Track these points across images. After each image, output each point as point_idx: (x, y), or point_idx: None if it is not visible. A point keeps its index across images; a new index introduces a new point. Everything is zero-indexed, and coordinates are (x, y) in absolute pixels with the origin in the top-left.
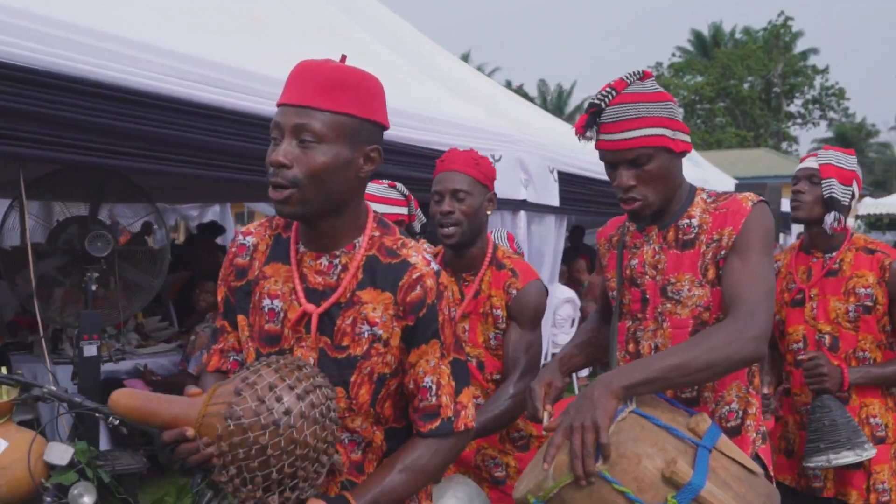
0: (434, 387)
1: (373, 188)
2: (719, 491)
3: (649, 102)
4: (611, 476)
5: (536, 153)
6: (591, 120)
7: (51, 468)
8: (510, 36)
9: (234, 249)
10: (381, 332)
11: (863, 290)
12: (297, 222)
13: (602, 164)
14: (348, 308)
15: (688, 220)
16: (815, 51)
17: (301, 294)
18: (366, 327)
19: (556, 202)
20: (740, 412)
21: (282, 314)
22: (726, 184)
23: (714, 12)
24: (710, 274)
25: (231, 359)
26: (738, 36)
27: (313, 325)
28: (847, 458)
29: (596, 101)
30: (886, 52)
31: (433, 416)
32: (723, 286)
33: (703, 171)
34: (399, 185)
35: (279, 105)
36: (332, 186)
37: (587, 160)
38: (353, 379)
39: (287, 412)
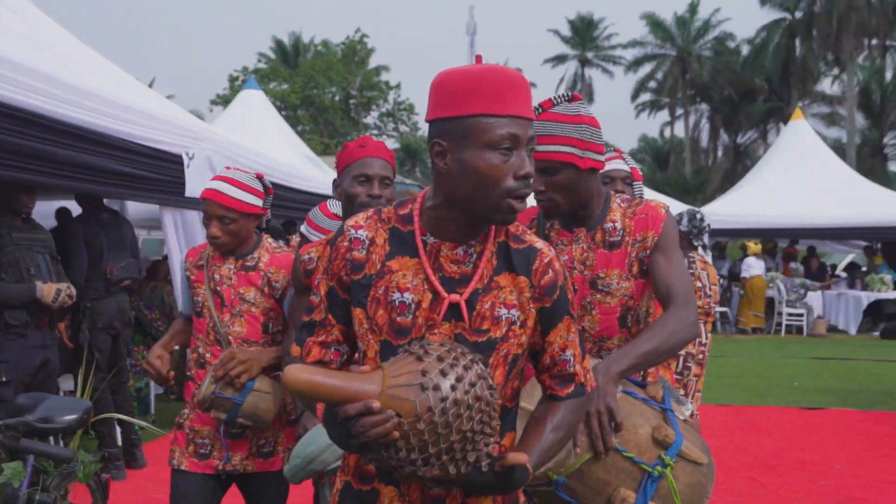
0: (572, 359)
1: (240, 175)
2: (689, 444)
3: (565, 123)
4: (620, 446)
5: (221, 153)
6: None
7: None
8: (75, 26)
9: (346, 243)
10: (517, 314)
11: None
12: (419, 214)
13: (276, 168)
14: (487, 293)
15: (612, 224)
16: (386, 68)
17: (437, 283)
18: (503, 311)
19: None
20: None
21: (413, 306)
22: None
23: (294, 22)
24: (635, 269)
25: (332, 350)
26: (318, 48)
27: (464, 311)
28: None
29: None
30: None
31: (569, 382)
32: (655, 280)
33: (327, 175)
34: (264, 178)
35: (505, 116)
36: None
37: (261, 163)
38: (490, 361)
39: (478, 394)
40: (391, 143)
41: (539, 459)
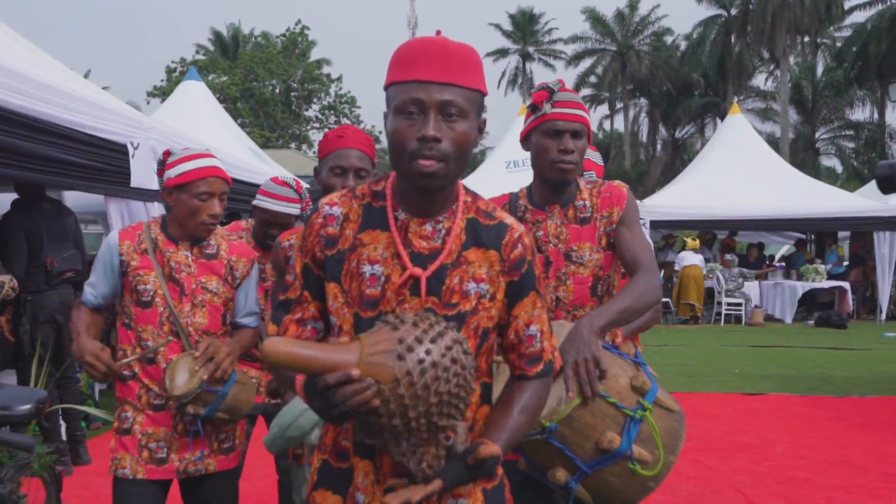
0: (538, 334)
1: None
2: (663, 391)
3: (580, 100)
4: (604, 392)
5: (166, 143)
6: (550, 98)
7: None
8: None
9: (320, 220)
10: (487, 287)
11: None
12: (391, 191)
13: (225, 160)
14: (455, 268)
15: (582, 202)
16: (327, 61)
17: (406, 258)
18: (472, 284)
19: None
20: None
21: (383, 278)
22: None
23: (233, 13)
24: (604, 242)
25: (309, 327)
26: (258, 39)
27: (422, 286)
28: None
29: (550, 86)
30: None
31: (537, 361)
32: (621, 251)
33: (271, 168)
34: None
35: (411, 81)
36: (467, 157)
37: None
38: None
39: (454, 357)
40: None
41: (508, 443)
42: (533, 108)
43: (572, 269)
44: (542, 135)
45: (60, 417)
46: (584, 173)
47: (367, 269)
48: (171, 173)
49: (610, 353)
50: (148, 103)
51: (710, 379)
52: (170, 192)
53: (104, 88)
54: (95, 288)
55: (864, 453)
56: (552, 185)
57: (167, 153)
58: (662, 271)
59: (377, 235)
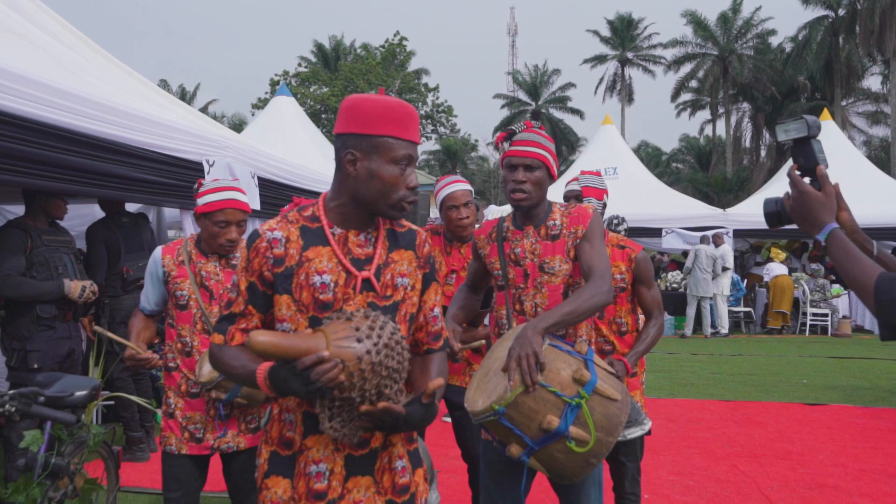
0: (439, 315)
1: (237, 183)
2: (604, 383)
3: (544, 139)
4: (545, 382)
5: (242, 159)
6: (508, 138)
7: None
8: (127, 35)
9: (264, 244)
10: (409, 280)
11: (618, 275)
12: (324, 212)
13: (297, 173)
14: (386, 267)
15: (553, 221)
16: (426, 71)
17: (349, 264)
18: (400, 279)
19: (257, 206)
20: (587, 340)
21: (332, 284)
22: None
23: (335, 26)
24: (572, 254)
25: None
26: (358, 51)
27: (374, 283)
28: (636, 433)
29: (514, 129)
30: (485, 76)
31: (438, 337)
32: (581, 261)
33: None
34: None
35: (407, 140)
36: None
37: (282, 167)
38: (396, 318)
39: (396, 339)
40: (430, 145)
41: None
42: (496, 148)
43: (546, 278)
44: (504, 169)
45: (136, 410)
46: (584, 199)
47: (317, 279)
48: (199, 202)
49: (557, 350)
50: (253, 115)
51: (776, 389)
52: (198, 217)
53: (211, 102)
54: (148, 296)
55: None
56: (517, 209)
57: (200, 183)
58: (745, 281)
59: (319, 250)
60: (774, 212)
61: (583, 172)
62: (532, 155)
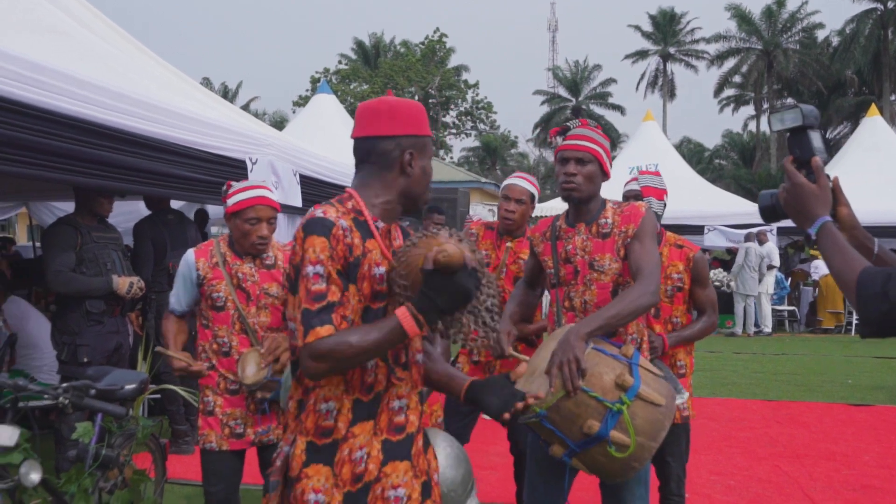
0: None
1: (265, 182)
2: (648, 388)
3: (598, 135)
4: (587, 387)
5: (284, 157)
6: (562, 132)
7: None
8: (173, 32)
9: (341, 232)
10: None
11: (675, 275)
12: (365, 207)
13: (339, 170)
14: None
15: (604, 220)
16: (466, 67)
17: (391, 257)
18: None
19: (299, 203)
20: (639, 339)
21: (385, 275)
22: None
23: (375, 23)
24: (622, 253)
25: (350, 322)
26: (398, 48)
27: None
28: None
29: (568, 125)
30: (525, 72)
31: None
32: (630, 260)
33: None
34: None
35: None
36: None
37: (324, 165)
38: None
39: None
40: (470, 142)
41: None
42: (549, 142)
43: (595, 276)
44: (556, 163)
45: (182, 404)
46: (644, 199)
47: (376, 270)
48: (229, 202)
49: (601, 354)
50: (294, 112)
51: (820, 389)
52: (228, 217)
53: (252, 99)
54: (179, 298)
55: None
56: (570, 204)
57: (229, 184)
58: (789, 279)
59: (372, 243)
60: (769, 205)
61: (641, 172)
62: (584, 149)
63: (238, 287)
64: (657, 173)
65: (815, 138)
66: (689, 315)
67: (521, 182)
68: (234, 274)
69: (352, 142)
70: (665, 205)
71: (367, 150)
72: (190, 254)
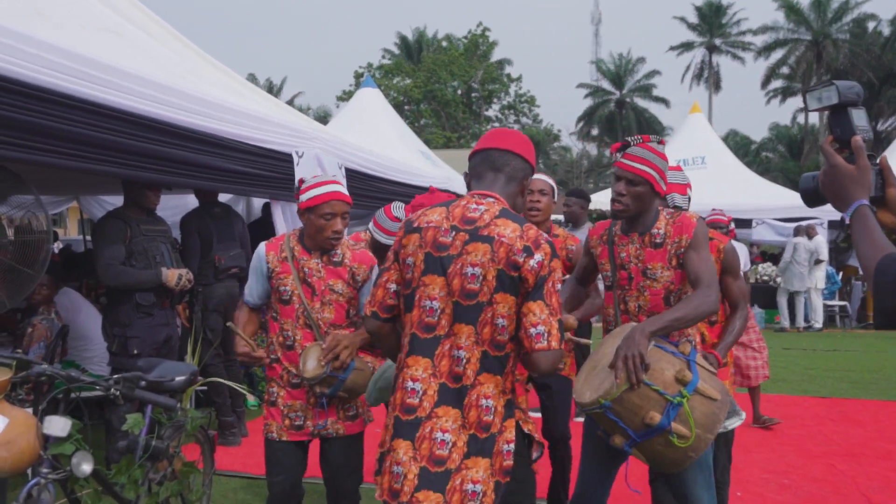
0: None
1: (336, 178)
2: (705, 384)
3: (654, 154)
4: (649, 381)
5: (330, 150)
6: (621, 149)
7: (46, 440)
8: (219, 30)
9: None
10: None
11: None
12: None
13: (384, 164)
14: None
15: (657, 230)
16: (509, 61)
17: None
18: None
19: None
20: (694, 339)
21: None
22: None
23: (418, 18)
24: (674, 262)
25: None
26: (441, 42)
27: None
28: (734, 423)
29: (629, 140)
30: (568, 65)
31: None
32: (688, 270)
33: (440, 170)
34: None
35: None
36: None
37: (369, 159)
38: None
39: None
40: None
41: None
42: (611, 157)
43: (648, 283)
44: (612, 177)
45: (228, 395)
46: (667, 197)
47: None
48: (303, 198)
49: (662, 351)
50: (337, 107)
51: (873, 386)
52: (302, 212)
53: (297, 95)
54: (252, 290)
55: None
56: (615, 219)
57: (301, 181)
58: (840, 274)
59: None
60: (811, 188)
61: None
62: (635, 171)
63: (304, 282)
64: (679, 168)
65: (857, 116)
66: (722, 305)
67: (543, 177)
68: (300, 268)
69: (395, 135)
70: (689, 199)
71: (504, 163)
72: (261, 247)
